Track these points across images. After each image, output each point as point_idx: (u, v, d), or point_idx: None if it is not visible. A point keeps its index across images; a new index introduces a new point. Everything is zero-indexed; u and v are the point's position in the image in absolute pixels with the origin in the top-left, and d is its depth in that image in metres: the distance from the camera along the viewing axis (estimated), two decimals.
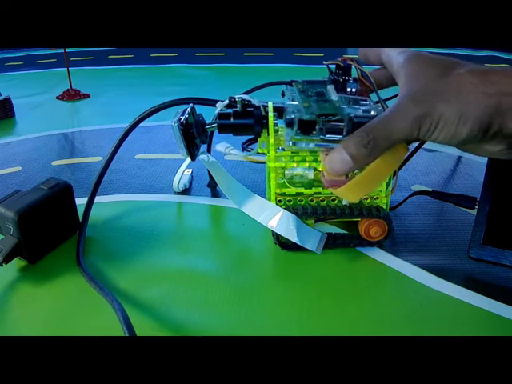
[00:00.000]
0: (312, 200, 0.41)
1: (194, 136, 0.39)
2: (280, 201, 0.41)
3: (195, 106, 0.40)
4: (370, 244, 0.40)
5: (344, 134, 0.33)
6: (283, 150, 0.39)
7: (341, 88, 0.35)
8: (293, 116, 0.33)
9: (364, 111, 0.32)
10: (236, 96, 0.39)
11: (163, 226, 0.45)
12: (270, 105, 0.38)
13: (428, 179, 0.52)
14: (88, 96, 0.83)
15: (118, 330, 0.31)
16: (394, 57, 0.30)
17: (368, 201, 0.41)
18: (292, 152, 0.39)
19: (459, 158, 0.57)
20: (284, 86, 0.39)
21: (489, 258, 0.37)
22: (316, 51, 1.05)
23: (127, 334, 0.30)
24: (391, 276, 0.38)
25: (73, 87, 0.83)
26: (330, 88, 0.35)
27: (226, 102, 0.39)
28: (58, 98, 0.82)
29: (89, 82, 0.89)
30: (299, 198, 0.41)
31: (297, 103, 0.34)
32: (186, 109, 0.39)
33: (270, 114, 0.37)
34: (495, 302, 0.35)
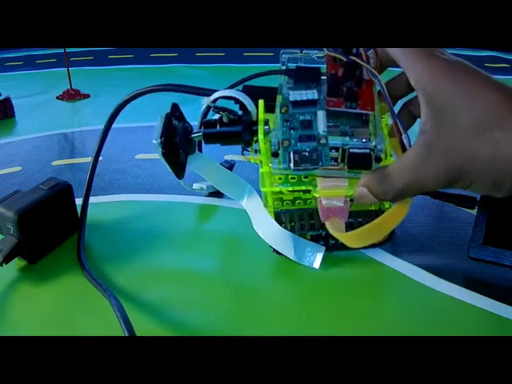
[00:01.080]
0: (311, 202, 0.38)
1: (177, 146, 0.35)
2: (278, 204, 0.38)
3: (186, 103, 0.37)
4: (372, 245, 0.40)
5: (339, 161, 0.29)
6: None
7: (342, 94, 0.30)
8: (275, 147, 0.29)
9: (362, 142, 0.29)
10: (218, 94, 0.33)
11: (163, 225, 0.45)
12: (261, 106, 0.33)
13: None
14: (88, 96, 0.83)
15: (119, 330, 0.31)
16: (402, 60, 0.27)
17: (372, 207, 0.39)
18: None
19: None
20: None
21: (489, 258, 0.37)
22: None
23: (124, 329, 0.30)
24: (391, 276, 0.38)
25: (73, 87, 0.83)
26: (320, 115, 0.30)
27: (214, 96, 0.34)
28: (58, 97, 0.82)
29: (89, 82, 0.89)
30: (297, 201, 0.39)
31: (279, 135, 0.30)
32: (168, 124, 0.34)
33: (260, 127, 0.32)
34: (495, 302, 0.35)
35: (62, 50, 0.88)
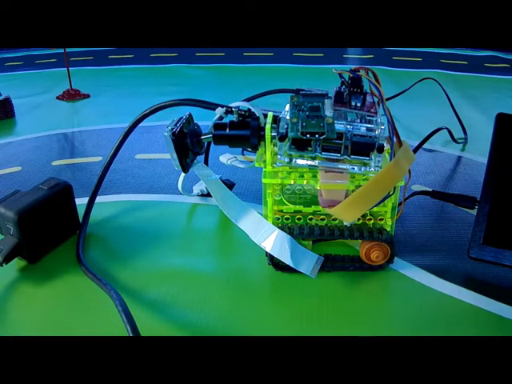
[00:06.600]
0: (311, 219, 0.38)
1: (187, 147, 0.37)
2: (278, 218, 0.38)
3: (196, 111, 0.38)
4: (371, 268, 0.38)
5: (342, 152, 0.31)
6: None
7: (348, 101, 0.33)
8: (284, 131, 0.31)
9: (367, 129, 0.30)
10: (234, 104, 0.37)
11: (163, 226, 0.45)
12: (270, 115, 0.35)
13: (428, 179, 0.52)
14: (88, 96, 0.83)
15: (119, 330, 0.31)
16: None
17: (371, 222, 0.38)
18: (290, 167, 0.35)
19: (459, 157, 0.57)
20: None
21: (489, 258, 0.37)
22: (316, 51, 1.05)
23: (126, 323, 0.30)
24: (391, 276, 0.38)
25: (73, 87, 0.83)
26: (327, 102, 0.33)
27: (227, 106, 0.37)
28: (58, 97, 0.82)
29: (89, 82, 0.89)
30: (297, 216, 0.38)
31: (289, 117, 0.32)
32: (182, 118, 0.37)
33: (268, 126, 0.34)
34: (495, 301, 0.35)
35: (62, 50, 0.88)
